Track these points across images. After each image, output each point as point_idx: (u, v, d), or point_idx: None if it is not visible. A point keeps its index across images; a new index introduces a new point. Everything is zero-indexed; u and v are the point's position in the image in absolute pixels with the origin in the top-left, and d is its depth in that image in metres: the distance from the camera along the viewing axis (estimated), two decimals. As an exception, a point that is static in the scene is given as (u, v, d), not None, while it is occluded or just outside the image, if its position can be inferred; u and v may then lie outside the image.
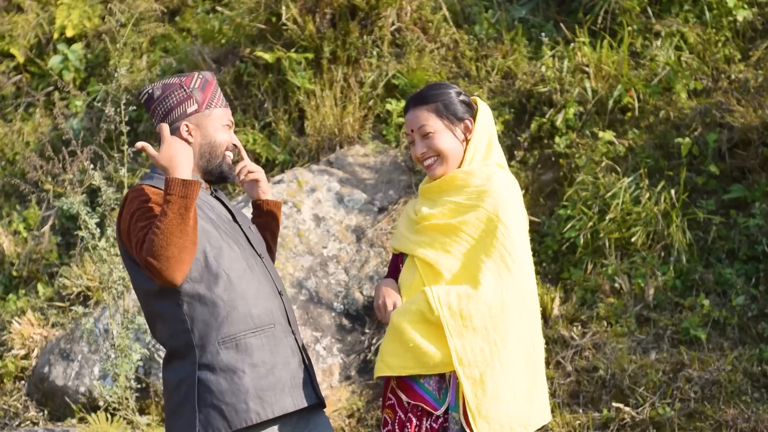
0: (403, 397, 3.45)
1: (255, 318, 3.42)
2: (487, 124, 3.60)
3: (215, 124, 3.58)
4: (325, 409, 3.66)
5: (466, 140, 3.57)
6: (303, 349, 3.54)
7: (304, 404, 3.43)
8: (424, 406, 3.41)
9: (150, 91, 3.61)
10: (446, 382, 3.42)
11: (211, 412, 3.37)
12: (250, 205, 3.94)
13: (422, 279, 3.48)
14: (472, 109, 3.59)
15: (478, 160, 3.56)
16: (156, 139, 7.57)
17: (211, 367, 3.39)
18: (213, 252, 3.40)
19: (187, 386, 3.40)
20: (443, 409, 3.39)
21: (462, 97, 3.58)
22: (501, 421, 3.35)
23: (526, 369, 3.42)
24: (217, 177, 3.61)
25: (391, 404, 3.51)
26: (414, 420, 3.42)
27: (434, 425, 3.40)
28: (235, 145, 3.63)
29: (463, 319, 3.35)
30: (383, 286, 3.58)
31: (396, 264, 3.68)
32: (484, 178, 3.50)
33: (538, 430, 3.49)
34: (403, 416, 3.45)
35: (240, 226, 3.57)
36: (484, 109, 3.61)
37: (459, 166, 3.57)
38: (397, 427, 3.46)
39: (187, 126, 3.56)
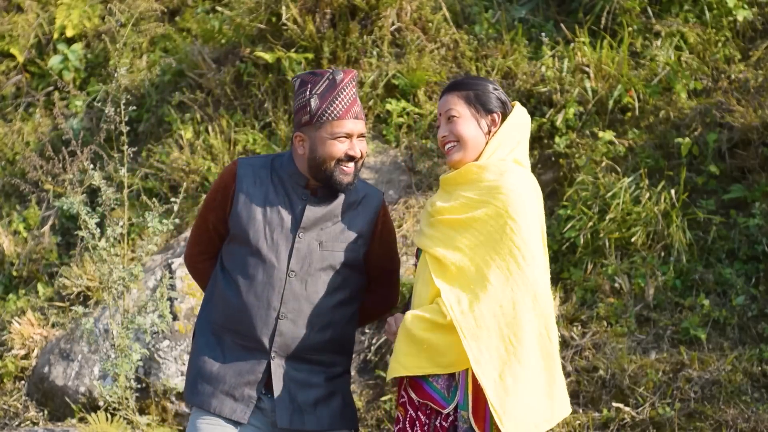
0: (413, 395, 3.47)
1: (236, 323, 3.56)
2: (519, 124, 3.58)
3: (324, 137, 3.49)
4: None
5: (490, 133, 3.56)
6: (273, 373, 3.55)
7: (225, 415, 3.54)
8: (432, 405, 3.42)
9: (294, 83, 3.58)
10: (455, 380, 3.42)
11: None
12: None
13: (431, 275, 3.47)
14: (505, 106, 3.58)
15: (498, 155, 3.54)
16: (156, 138, 7.59)
17: (196, 339, 3.66)
18: (238, 252, 3.56)
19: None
20: (451, 407, 3.40)
21: (498, 93, 3.58)
22: (525, 419, 3.36)
23: (545, 363, 3.42)
24: (325, 185, 3.55)
25: (403, 402, 3.53)
26: (423, 418, 3.44)
27: (444, 423, 3.41)
28: (350, 155, 3.51)
29: (475, 320, 3.34)
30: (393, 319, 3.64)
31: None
32: (497, 174, 3.48)
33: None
34: (413, 414, 3.47)
35: (295, 237, 3.54)
36: (519, 110, 3.61)
37: (478, 158, 3.56)
38: (407, 424, 3.48)
39: (299, 136, 3.55)
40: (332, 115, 3.48)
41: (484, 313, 3.35)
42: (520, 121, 3.59)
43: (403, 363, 3.43)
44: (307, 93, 3.50)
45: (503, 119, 3.58)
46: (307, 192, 3.56)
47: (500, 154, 3.54)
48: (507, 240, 3.39)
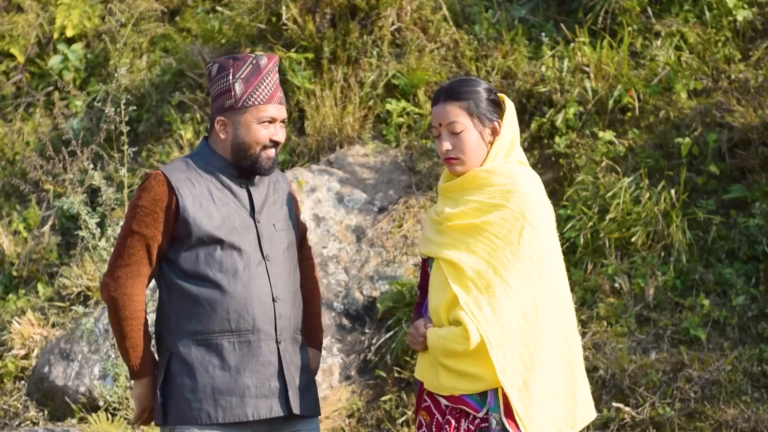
0: (443, 400, 3.46)
1: (233, 322, 3.45)
2: (511, 123, 3.56)
3: (249, 121, 3.49)
4: (319, 417, 3.65)
5: (493, 141, 3.52)
6: (282, 358, 3.50)
7: (264, 416, 3.44)
8: (466, 409, 3.41)
9: (210, 68, 3.55)
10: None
11: (172, 403, 3.47)
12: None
13: (447, 280, 3.45)
14: (500, 109, 3.55)
15: (500, 158, 3.51)
16: (156, 138, 7.59)
17: (180, 358, 3.47)
18: (205, 254, 3.44)
19: (158, 371, 3.51)
20: (485, 410, 3.40)
21: (492, 96, 3.53)
22: (548, 425, 3.37)
23: (565, 368, 3.42)
24: (248, 171, 3.54)
25: (426, 406, 3.52)
26: (453, 422, 3.43)
27: (471, 426, 3.41)
28: (274, 140, 3.52)
29: (501, 328, 3.34)
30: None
31: (425, 269, 3.67)
32: (507, 177, 3.45)
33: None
34: (440, 419, 3.45)
35: (256, 223, 3.52)
36: (510, 108, 3.57)
37: (480, 165, 3.53)
38: (434, 429, 3.47)
39: (221, 121, 3.52)
40: (257, 99, 3.48)
41: (509, 320, 3.34)
42: (511, 122, 3.57)
43: (443, 384, 3.43)
44: (230, 77, 3.49)
45: (501, 123, 3.56)
46: (242, 179, 3.55)
47: (501, 156, 3.52)
48: (525, 244, 3.37)
